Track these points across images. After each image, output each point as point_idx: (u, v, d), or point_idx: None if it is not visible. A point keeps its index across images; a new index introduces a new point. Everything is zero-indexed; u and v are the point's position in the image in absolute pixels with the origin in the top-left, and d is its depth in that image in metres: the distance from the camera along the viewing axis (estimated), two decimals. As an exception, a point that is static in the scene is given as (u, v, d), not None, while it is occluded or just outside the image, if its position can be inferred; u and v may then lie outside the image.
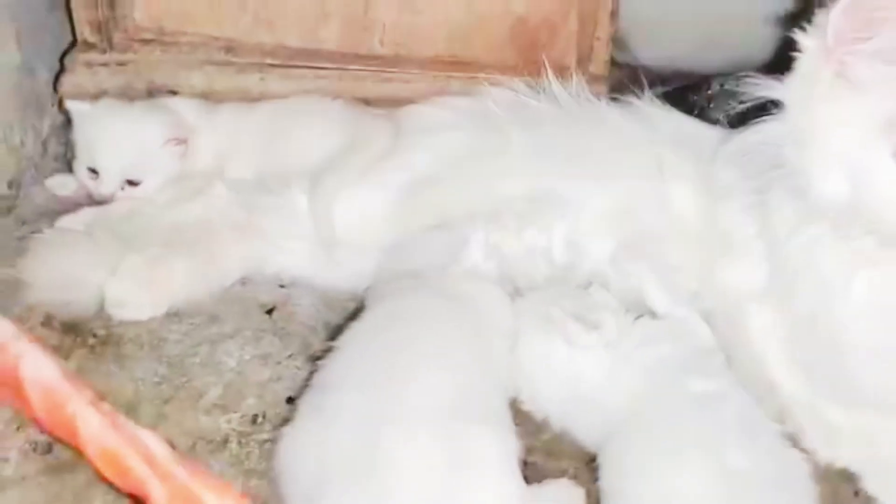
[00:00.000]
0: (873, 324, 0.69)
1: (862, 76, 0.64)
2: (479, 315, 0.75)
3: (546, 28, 1.03)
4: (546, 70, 0.95)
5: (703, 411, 0.65)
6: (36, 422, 0.51)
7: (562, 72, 0.99)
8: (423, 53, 1.04)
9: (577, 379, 0.73)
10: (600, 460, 0.67)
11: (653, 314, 0.78)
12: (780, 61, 0.70)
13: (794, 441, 0.71)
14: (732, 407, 0.67)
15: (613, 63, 1.21)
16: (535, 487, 0.67)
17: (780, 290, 0.74)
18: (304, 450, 0.62)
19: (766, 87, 0.70)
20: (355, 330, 0.72)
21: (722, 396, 0.67)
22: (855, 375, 0.70)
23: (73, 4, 1.02)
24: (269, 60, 1.04)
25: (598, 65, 1.09)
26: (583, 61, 1.07)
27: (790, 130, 0.68)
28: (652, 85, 1.27)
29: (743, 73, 0.73)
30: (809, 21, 0.67)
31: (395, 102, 1.03)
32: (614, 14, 1.07)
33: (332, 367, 0.68)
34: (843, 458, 0.72)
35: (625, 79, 1.17)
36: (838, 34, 0.64)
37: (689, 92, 1.15)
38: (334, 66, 1.04)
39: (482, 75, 1.02)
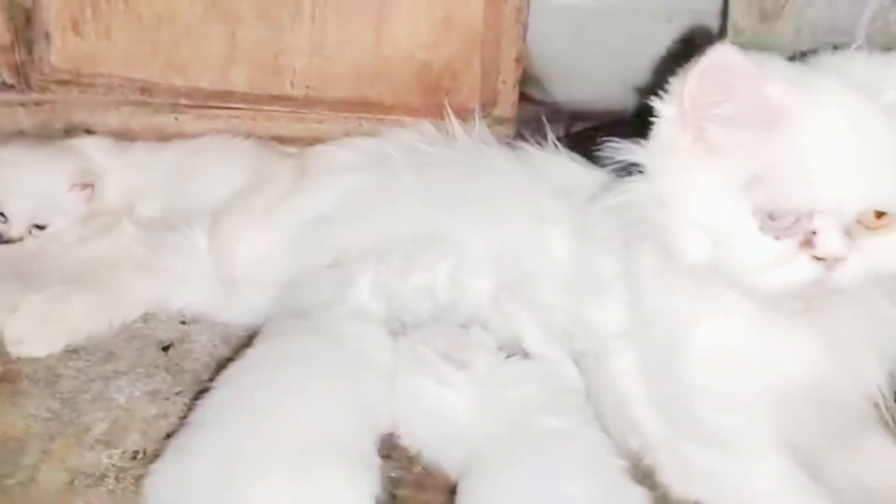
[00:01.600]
0: (715, 369, 0.73)
1: (719, 141, 0.67)
2: (358, 356, 0.79)
3: (449, 73, 1.08)
4: (448, 113, 1.00)
5: (548, 448, 0.69)
6: None
7: (467, 114, 1.03)
8: (333, 95, 1.09)
9: (443, 415, 0.77)
10: (458, 493, 0.71)
11: (526, 353, 0.83)
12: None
13: (651, 476, 0.76)
14: (579, 444, 0.70)
15: (531, 101, 1.27)
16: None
17: (639, 332, 0.78)
18: (165, 487, 0.65)
19: (626, 152, 0.74)
20: (233, 368, 0.76)
21: (570, 434, 0.71)
22: (700, 416, 0.74)
23: (-11, 45, 1.06)
24: (183, 101, 1.08)
25: (505, 108, 1.14)
26: (487, 105, 1.11)
27: (653, 194, 0.72)
28: (571, 122, 1.32)
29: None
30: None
31: (309, 141, 1.07)
32: (519, 60, 1.12)
33: (204, 405, 0.71)
34: (694, 492, 0.76)
35: (542, 116, 1.22)
36: (693, 101, 0.67)
37: (601, 131, 1.20)
38: (247, 106, 1.09)
39: (390, 117, 1.07)
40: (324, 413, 0.71)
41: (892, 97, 0.66)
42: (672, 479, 0.77)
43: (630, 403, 0.80)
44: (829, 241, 0.64)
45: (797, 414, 0.72)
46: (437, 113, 1.03)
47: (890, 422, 0.77)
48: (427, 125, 1.01)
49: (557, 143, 0.94)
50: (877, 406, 0.75)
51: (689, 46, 1.07)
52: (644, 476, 0.75)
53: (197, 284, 0.94)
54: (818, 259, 0.65)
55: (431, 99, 1.08)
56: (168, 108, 1.08)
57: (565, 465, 0.68)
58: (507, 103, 1.14)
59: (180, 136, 1.07)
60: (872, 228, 0.65)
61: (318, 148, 1.03)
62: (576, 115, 1.29)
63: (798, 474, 0.73)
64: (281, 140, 1.09)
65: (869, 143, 0.64)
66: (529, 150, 0.94)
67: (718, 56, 0.65)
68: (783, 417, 0.72)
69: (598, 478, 0.68)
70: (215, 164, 1.02)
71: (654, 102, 0.71)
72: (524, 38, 1.11)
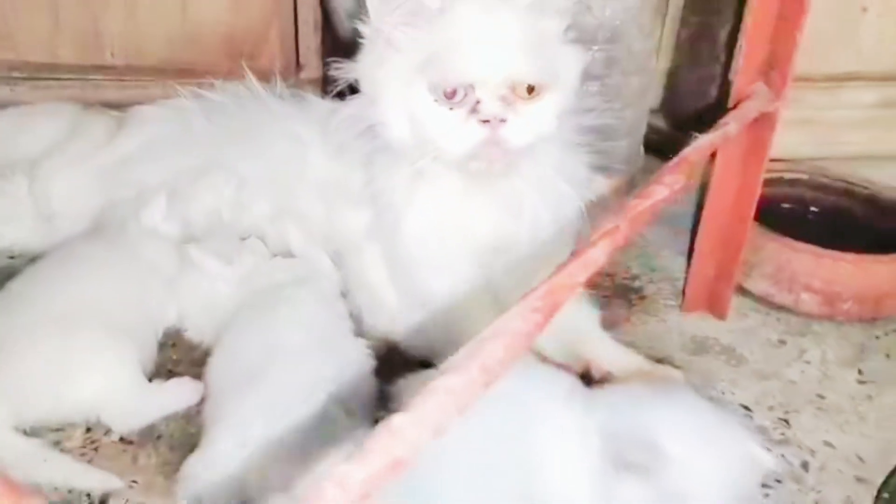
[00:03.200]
0: (426, 241, 0.90)
1: (397, 39, 0.85)
2: (143, 261, 0.95)
3: (249, 41, 1.25)
4: (248, 75, 1.16)
5: (281, 309, 0.86)
6: None
7: (271, 76, 1.20)
8: (150, 63, 1.24)
9: (213, 303, 0.93)
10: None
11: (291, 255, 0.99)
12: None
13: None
14: (310, 309, 0.87)
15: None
16: (161, 383, 0.86)
17: (377, 225, 0.96)
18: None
19: (346, 70, 0.91)
20: (32, 265, 0.91)
21: (303, 301, 0.88)
22: (419, 285, 0.92)
23: None
24: (15, 74, 1.22)
25: (312, 70, 1.31)
26: (289, 68, 1.28)
27: (368, 99, 0.89)
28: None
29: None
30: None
31: (131, 104, 1.21)
32: (317, 27, 1.29)
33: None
34: (420, 349, 0.93)
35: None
36: (375, 13, 0.84)
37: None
38: (75, 76, 1.24)
39: (202, 81, 1.22)
40: (101, 294, 0.87)
41: (528, 2, 0.84)
42: (405, 338, 0.94)
43: (377, 287, 0.97)
44: (488, 106, 0.82)
45: (490, 266, 0.90)
46: (243, 76, 1.19)
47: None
48: (231, 86, 1.17)
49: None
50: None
51: None
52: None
53: (19, 223, 1.09)
54: (484, 122, 0.82)
55: (236, 63, 1.23)
56: (3, 80, 1.22)
57: (293, 321, 0.84)
58: (313, 66, 1.31)
59: (16, 104, 1.21)
60: (526, 98, 0.83)
61: (135, 108, 1.19)
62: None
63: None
64: (108, 105, 1.23)
65: (505, 31, 0.83)
66: (307, 97, 1.11)
67: None
68: (479, 269, 0.90)
69: (319, 331, 0.85)
70: (41, 123, 1.16)
71: (359, 25, 0.88)
72: (321, 7, 1.27)
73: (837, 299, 1.07)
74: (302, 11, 1.26)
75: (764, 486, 0.83)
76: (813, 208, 1.26)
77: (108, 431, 0.82)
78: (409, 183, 0.90)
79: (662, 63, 1.64)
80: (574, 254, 0.53)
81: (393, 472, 0.34)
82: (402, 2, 0.83)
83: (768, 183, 1.24)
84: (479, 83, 0.82)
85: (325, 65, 1.34)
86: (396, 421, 0.37)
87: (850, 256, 1.06)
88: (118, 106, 1.24)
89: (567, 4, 0.87)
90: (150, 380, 0.85)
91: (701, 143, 0.77)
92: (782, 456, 0.87)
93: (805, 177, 1.28)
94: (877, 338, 1.07)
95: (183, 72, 1.25)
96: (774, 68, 0.93)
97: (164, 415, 0.84)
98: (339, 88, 0.93)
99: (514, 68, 0.82)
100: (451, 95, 0.82)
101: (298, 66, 1.30)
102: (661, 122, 1.58)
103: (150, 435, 0.82)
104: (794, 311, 1.10)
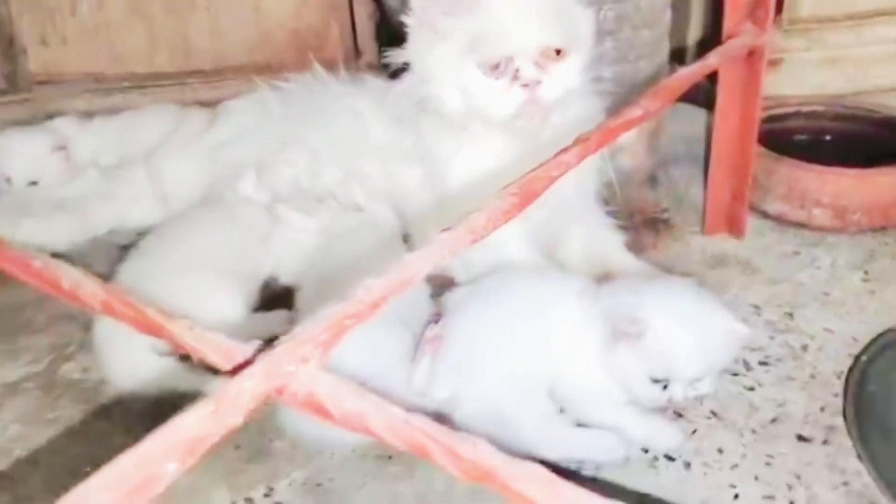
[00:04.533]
0: (470, 187, 1.08)
1: (441, 27, 1.01)
2: (241, 223, 1.16)
3: (315, 36, 1.45)
4: (314, 64, 1.37)
5: (349, 244, 1.06)
6: None
7: (336, 65, 1.40)
8: (233, 64, 1.46)
9: (300, 247, 1.13)
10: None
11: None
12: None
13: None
14: (374, 237, 1.07)
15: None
16: (259, 314, 1.07)
17: (427, 178, 1.14)
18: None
19: (397, 56, 1.09)
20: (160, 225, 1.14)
21: (369, 236, 1.07)
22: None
23: (-14, 63, 1.47)
24: (125, 84, 1.47)
25: (369, 55, 1.51)
26: (350, 56, 1.48)
27: (419, 78, 1.06)
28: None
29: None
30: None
31: (221, 101, 1.44)
32: (372, 17, 1.48)
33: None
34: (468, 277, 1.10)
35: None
36: (418, 6, 1.02)
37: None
38: (173, 82, 1.47)
39: (276, 75, 1.43)
40: (212, 249, 1.08)
41: None
42: (460, 273, 1.12)
43: (430, 230, 1.15)
44: (527, 71, 0.98)
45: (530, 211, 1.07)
46: (311, 67, 1.40)
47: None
48: (301, 76, 1.38)
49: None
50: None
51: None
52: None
53: (142, 204, 1.32)
54: (525, 86, 0.98)
55: (305, 56, 1.43)
56: (116, 91, 1.47)
57: (359, 255, 1.04)
58: (371, 52, 1.51)
59: (128, 109, 1.46)
60: (555, 60, 0.99)
61: (225, 102, 1.41)
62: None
63: (531, 252, 1.08)
64: (201, 104, 1.46)
65: (534, 6, 0.99)
66: (364, 77, 1.31)
67: None
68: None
69: (382, 264, 1.03)
70: (151, 121, 1.40)
71: (403, 18, 1.06)
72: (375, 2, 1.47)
73: (846, 212, 1.19)
74: (357, 5, 1.46)
75: (763, 363, 0.98)
76: (828, 137, 1.36)
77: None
78: (454, 142, 1.07)
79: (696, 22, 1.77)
80: (553, 155, 0.70)
81: (401, 287, 0.52)
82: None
83: (786, 117, 1.37)
84: (517, 54, 0.98)
85: (381, 51, 1.55)
86: (406, 258, 0.55)
87: (852, 171, 1.17)
88: (209, 104, 1.47)
89: None
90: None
91: (681, 74, 0.92)
92: (785, 341, 1.01)
93: (821, 108, 1.38)
94: (886, 244, 1.18)
95: (260, 68, 1.46)
96: (759, 6, 1.06)
97: (264, 337, 1.04)
98: (394, 69, 1.12)
99: (545, 37, 0.98)
100: (494, 68, 0.99)
101: (358, 53, 1.49)
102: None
103: (255, 350, 1.03)
104: (808, 227, 1.22)
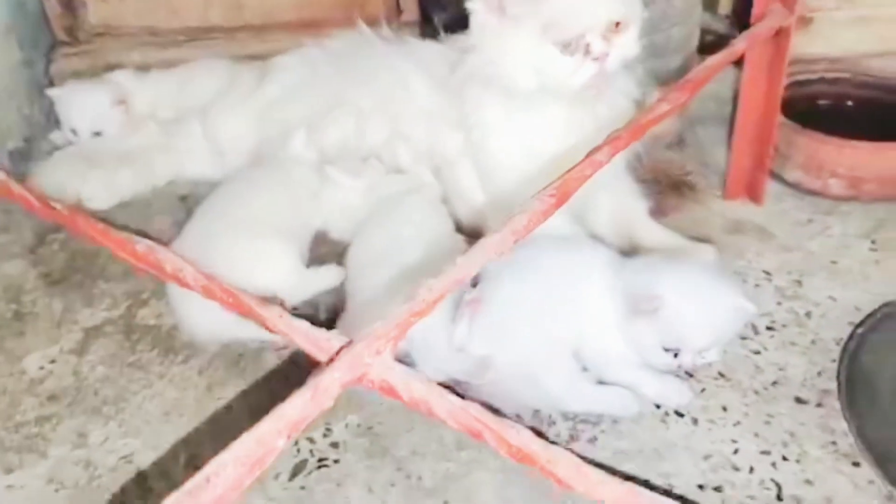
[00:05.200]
0: (513, 151, 1.16)
1: (517, 11, 1.06)
2: (294, 180, 1.26)
3: (359, -5, 1.51)
4: (359, 23, 1.43)
5: (397, 211, 1.15)
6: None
7: (378, 22, 1.46)
8: (281, 20, 1.53)
9: (347, 207, 1.23)
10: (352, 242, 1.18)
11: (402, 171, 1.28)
12: None
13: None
14: (420, 210, 1.16)
15: (442, 6, 1.69)
16: (316, 268, 1.18)
17: (471, 142, 1.22)
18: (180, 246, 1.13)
19: (461, 41, 1.16)
20: (218, 188, 1.24)
21: (414, 205, 1.17)
22: (500, 186, 1.19)
23: (50, 15, 1.55)
24: (180, 38, 1.55)
25: (409, 14, 1.57)
26: (392, 14, 1.54)
27: (487, 58, 1.11)
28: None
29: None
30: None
31: (270, 56, 1.51)
32: (413, -23, 1.54)
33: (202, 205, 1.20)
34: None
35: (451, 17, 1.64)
36: None
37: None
38: (224, 35, 1.55)
39: (323, 31, 1.50)
40: (269, 209, 1.18)
41: None
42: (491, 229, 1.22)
43: (469, 191, 1.25)
44: (598, 45, 1.05)
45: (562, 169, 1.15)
46: (355, 24, 1.46)
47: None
48: (346, 34, 1.45)
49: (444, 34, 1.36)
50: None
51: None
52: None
53: (198, 157, 1.42)
54: (595, 59, 1.06)
55: (349, 14, 1.50)
56: (171, 44, 1.55)
57: (406, 219, 1.14)
58: (411, 11, 1.57)
59: (182, 62, 1.54)
60: (616, 32, 1.06)
61: (274, 58, 1.48)
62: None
63: (565, 220, 1.16)
64: (251, 57, 1.54)
65: None
66: (409, 39, 1.38)
67: None
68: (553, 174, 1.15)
69: (426, 227, 1.14)
70: (204, 77, 1.48)
71: (467, 3, 1.11)
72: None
73: (860, 182, 1.26)
74: (400, -33, 1.52)
75: (770, 328, 1.08)
76: (850, 102, 1.42)
77: (281, 301, 1.15)
78: (503, 110, 1.15)
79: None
80: (586, 155, 0.78)
81: (456, 283, 0.63)
82: None
83: (811, 83, 1.43)
84: (588, 30, 1.05)
85: (422, 12, 1.61)
86: (460, 259, 0.65)
87: (867, 145, 1.24)
88: (258, 57, 1.54)
89: None
90: (307, 267, 1.17)
91: (708, 64, 0.98)
92: (791, 308, 1.11)
93: (846, 75, 1.43)
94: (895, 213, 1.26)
95: (307, 25, 1.53)
96: (788, -11, 1.11)
97: (319, 291, 1.16)
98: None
99: (611, 12, 1.05)
100: (567, 45, 1.05)
101: (399, 10, 1.56)
102: (731, 30, 1.75)
103: (311, 304, 1.15)
104: (824, 195, 1.29)
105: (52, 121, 1.56)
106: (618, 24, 1.06)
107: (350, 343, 0.58)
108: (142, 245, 0.73)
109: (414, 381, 0.56)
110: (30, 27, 1.59)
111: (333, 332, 0.62)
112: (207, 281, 0.67)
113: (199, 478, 0.48)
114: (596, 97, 1.12)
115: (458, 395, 0.56)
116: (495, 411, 0.57)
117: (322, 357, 0.59)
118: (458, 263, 0.65)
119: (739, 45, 1.03)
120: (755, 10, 1.13)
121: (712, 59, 0.99)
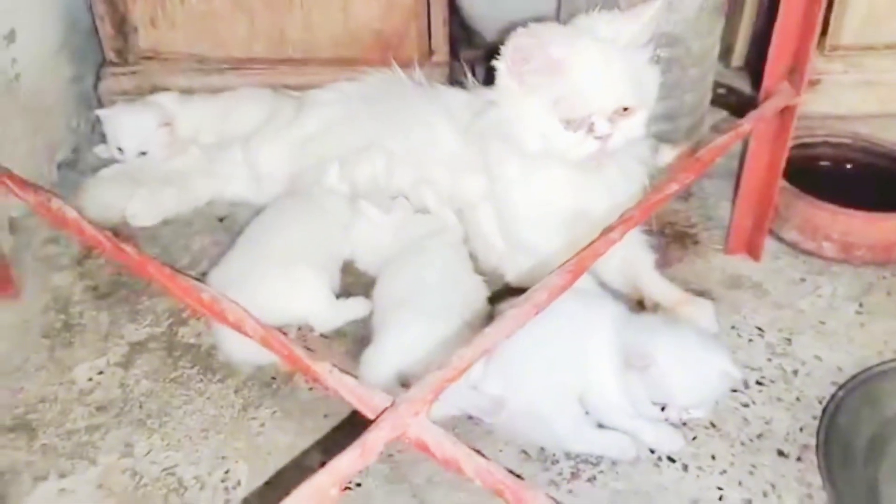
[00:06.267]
0: (533, 205, 1.26)
1: (531, 83, 1.15)
2: (327, 212, 1.36)
3: (395, 36, 1.61)
4: (393, 64, 1.53)
5: (421, 255, 1.25)
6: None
7: (411, 63, 1.56)
8: (320, 56, 1.63)
9: (376, 242, 1.33)
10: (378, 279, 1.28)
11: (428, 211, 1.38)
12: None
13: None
14: (441, 255, 1.26)
15: (472, 45, 1.79)
16: (344, 300, 1.28)
17: (493, 192, 1.32)
18: (215, 278, 1.23)
19: (485, 93, 1.25)
20: (258, 216, 1.34)
21: (437, 248, 1.27)
22: (522, 236, 1.29)
23: (102, 36, 1.64)
24: (224, 66, 1.64)
25: (440, 56, 1.66)
26: (425, 56, 1.64)
27: (504, 116, 1.20)
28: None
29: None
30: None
31: (307, 87, 1.61)
32: (445, 22, 1.63)
33: (240, 238, 1.30)
34: (521, 280, 1.30)
35: (478, 56, 1.73)
36: (511, 63, 1.15)
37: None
38: (266, 67, 1.64)
39: (358, 69, 1.59)
40: (302, 241, 1.28)
41: (623, 42, 1.16)
42: (510, 275, 1.32)
43: (489, 235, 1.35)
44: (601, 127, 1.14)
45: (577, 226, 1.23)
46: (389, 64, 1.56)
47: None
48: (381, 73, 1.55)
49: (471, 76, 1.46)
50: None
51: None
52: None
53: (238, 182, 1.52)
54: (598, 138, 1.15)
55: (385, 55, 1.60)
56: (215, 71, 1.65)
57: (429, 262, 1.24)
58: (442, 53, 1.67)
59: (225, 89, 1.64)
60: (623, 115, 1.16)
61: (311, 91, 1.58)
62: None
63: None
64: (289, 87, 1.63)
65: (612, 72, 1.14)
66: (437, 86, 1.48)
67: (516, 39, 1.14)
68: (568, 229, 1.24)
69: (447, 270, 1.23)
70: (247, 106, 1.58)
71: (494, 63, 1.19)
72: (448, 7, 1.62)
73: (852, 247, 1.36)
74: (434, 11, 1.61)
75: (759, 383, 1.17)
76: (849, 166, 1.51)
77: (311, 330, 1.26)
78: (522, 166, 1.25)
79: (748, 21, 1.88)
80: (599, 235, 0.88)
81: (485, 352, 0.73)
82: (534, 54, 1.12)
83: (815, 145, 1.53)
84: (594, 112, 1.14)
85: (452, 52, 1.70)
86: (487, 330, 0.75)
87: (861, 214, 1.33)
88: (297, 88, 1.64)
89: (650, 36, 1.18)
90: (336, 297, 1.27)
91: (716, 144, 1.08)
92: (780, 364, 1.21)
93: (848, 140, 1.53)
94: (884, 278, 1.36)
95: (345, 61, 1.62)
96: (795, 71, 1.20)
97: (347, 321, 1.26)
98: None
99: (619, 98, 1.14)
100: (573, 122, 1.14)
101: (431, 52, 1.65)
102: (743, 82, 1.85)
103: (339, 333, 1.25)
104: (818, 255, 1.39)
105: (98, 134, 1.66)
106: (626, 108, 1.15)
107: (393, 404, 0.68)
108: (206, 294, 0.82)
109: (446, 442, 0.66)
110: (81, 44, 1.69)
111: (377, 390, 0.71)
112: (265, 332, 0.77)
113: (266, 518, 0.58)
114: (598, 168, 1.21)
115: (482, 455, 0.66)
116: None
117: (368, 413, 0.69)
118: (485, 334, 0.74)
119: (746, 125, 1.13)
120: (764, 86, 1.23)
121: (719, 140, 1.08)
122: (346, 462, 0.63)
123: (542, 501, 0.61)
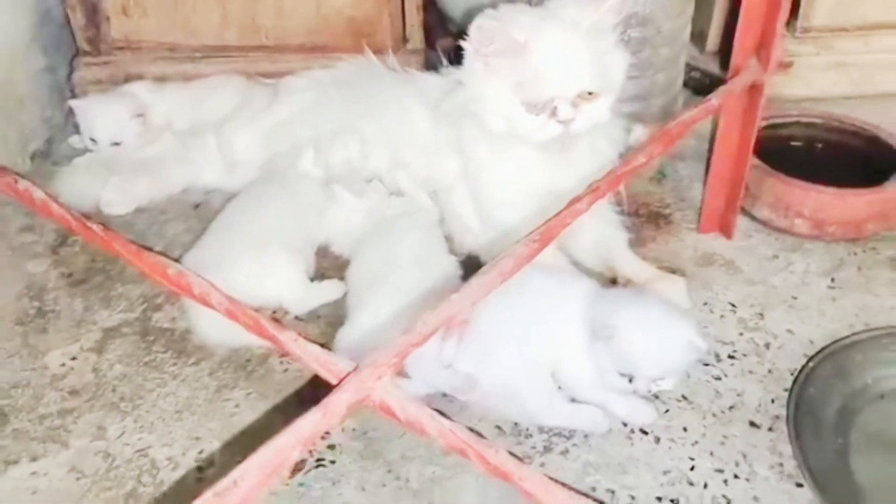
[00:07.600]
0: (504, 185, 1.26)
1: (494, 65, 1.16)
2: (301, 197, 1.36)
3: (368, 24, 1.61)
4: (367, 51, 1.53)
5: (394, 233, 1.25)
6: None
7: (385, 50, 1.56)
8: (294, 43, 1.63)
9: (350, 224, 1.33)
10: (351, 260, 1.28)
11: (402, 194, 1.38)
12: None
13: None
14: (416, 234, 1.26)
15: (449, 33, 1.79)
16: (319, 282, 1.28)
17: (465, 172, 1.32)
18: (191, 260, 1.23)
19: (451, 74, 1.26)
20: (231, 201, 1.34)
21: (411, 228, 1.27)
22: (493, 215, 1.29)
23: (74, 26, 1.63)
24: (196, 54, 1.64)
25: (415, 43, 1.67)
26: (400, 42, 1.64)
27: (470, 97, 1.21)
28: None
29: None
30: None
31: (280, 75, 1.61)
32: (419, 9, 1.63)
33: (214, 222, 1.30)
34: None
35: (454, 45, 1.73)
36: (475, 43, 1.15)
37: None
38: (238, 54, 1.64)
39: (332, 55, 1.59)
40: (276, 225, 1.28)
41: (586, 26, 1.16)
42: (484, 254, 1.32)
43: (464, 216, 1.35)
44: (564, 111, 1.15)
45: (547, 205, 1.24)
46: (362, 51, 1.56)
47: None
48: (354, 60, 1.55)
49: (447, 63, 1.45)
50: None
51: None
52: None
53: (212, 169, 1.52)
54: (560, 122, 1.16)
55: (358, 41, 1.60)
56: (188, 59, 1.64)
57: (402, 241, 1.24)
58: (416, 39, 1.67)
59: (197, 76, 1.63)
60: (587, 100, 1.17)
61: (285, 78, 1.58)
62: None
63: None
64: (262, 75, 1.63)
65: (575, 57, 1.15)
66: (411, 71, 1.48)
67: (481, 20, 1.14)
68: (539, 208, 1.24)
69: (421, 250, 1.23)
70: (220, 93, 1.58)
71: (462, 42, 1.19)
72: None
73: (824, 224, 1.37)
74: (407, -1, 1.61)
75: (731, 356, 1.18)
76: (819, 145, 1.53)
77: (286, 313, 1.25)
78: (491, 147, 1.25)
79: (721, 6, 1.89)
80: (566, 205, 0.89)
81: (450, 318, 0.73)
82: (497, 36, 1.13)
83: (786, 125, 1.54)
84: (557, 96, 1.14)
85: (428, 41, 1.70)
86: (453, 297, 0.75)
87: (831, 190, 1.35)
88: (270, 75, 1.63)
89: (616, 21, 1.18)
90: (311, 280, 1.27)
91: (684, 118, 1.08)
92: (752, 339, 1.21)
93: (818, 120, 1.54)
94: (854, 254, 1.37)
95: (317, 49, 1.62)
96: (763, 48, 1.21)
97: (322, 303, 1.26)
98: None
99: (582, 83, 1.14)
100: (536, 106, 1.14)
101: (405, 40, 1.65)
102: (717, 66, 1.85)
103: (314, 315, 1.25)
104: (790, 233, 1.40)
105: (72, 124, 1.65)
106: (591, 93, 1.15)
107: (356, 369, 0.68)
108: (173, 269, 0.82)
109: (409, 404, 0.66)
110: (54, 35, 1.68)
111: (340, 356, 0.72)
112: (231, 305, 0.77)
113: (227, 481, 0.58)
114: (563, 150, 1.21)
115: (446, 416, 0.66)
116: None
117: (330, 379, 0.69)
118: (451, 300, 0.75)
119: (715, 101, 1.13)
120: (732, 63, 1.24)
121: (688, 114, 1.09)
122: (309, 423, 0.63)
123: (503, 457, 0.61)
